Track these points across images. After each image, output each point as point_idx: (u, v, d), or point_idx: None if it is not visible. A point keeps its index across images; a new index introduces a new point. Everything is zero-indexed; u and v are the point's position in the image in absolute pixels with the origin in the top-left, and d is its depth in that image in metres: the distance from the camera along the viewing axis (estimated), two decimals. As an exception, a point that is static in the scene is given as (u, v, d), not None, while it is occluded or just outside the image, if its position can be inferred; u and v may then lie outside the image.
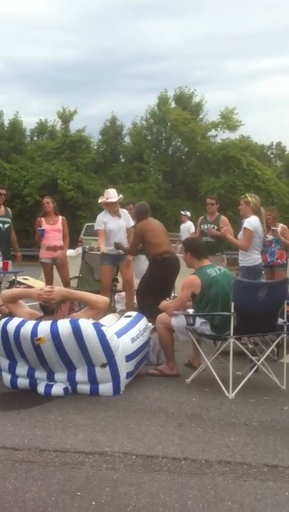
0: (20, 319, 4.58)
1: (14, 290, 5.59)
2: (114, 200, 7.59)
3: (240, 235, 6.75)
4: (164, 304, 5.36)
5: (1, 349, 4.64)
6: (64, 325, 4.41)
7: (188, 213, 14.43)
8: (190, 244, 5.53)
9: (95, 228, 7.70)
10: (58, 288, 4.89)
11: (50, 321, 4.48)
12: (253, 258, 6.51)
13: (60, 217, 8.20)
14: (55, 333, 4.35)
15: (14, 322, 4.55)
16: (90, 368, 4.47)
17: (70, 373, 4.51)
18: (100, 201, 7.83)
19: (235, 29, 56.98)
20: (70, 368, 4.50)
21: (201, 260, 5.21)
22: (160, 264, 6.71)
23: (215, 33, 55.86)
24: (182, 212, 14.68)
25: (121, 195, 7.75)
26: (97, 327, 4.45)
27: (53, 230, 8.01)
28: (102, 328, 4.48)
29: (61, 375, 4.52)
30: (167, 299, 5.62)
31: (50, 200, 8.26)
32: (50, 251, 7.99)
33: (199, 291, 4.94)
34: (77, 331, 4.36)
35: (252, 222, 6.48)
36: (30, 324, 4.47)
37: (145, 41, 54.56)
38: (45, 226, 8.00)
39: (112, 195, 7.65)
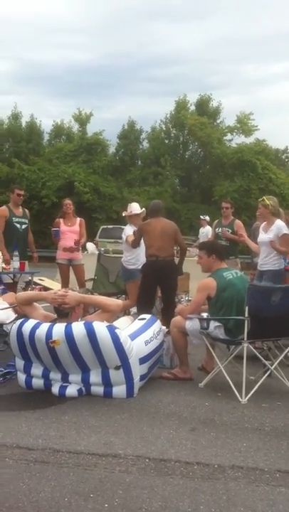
0: (35, 321, 4.63)
1: (29, 293, 5.64)
2: (137, 212, 7.73)
3: (260, 238, 6.65)
4: (179, 307, 5.37)
5: (17, 350, 4.68)
6: (78, 327, 4.44)
7: (208, 218, 14.50)
8: (213, 246, 5.56)
9: (124, 237, 7.76)
10: (72, 292, 4.92)
11: (65, 324, 4.51)
12: (279, 262, 6.48)
13: (78, 219, 8.27)
14: (69, 335, 4.38)
15: (29, 324, 4.59)
16: (104, 370, 4.50)
17: (84, 375, 4.54)
18: (123, 214, 8.03)
19: (251, 33, 56.79)
20: (84, 370, 4.53)
21: (221, 262, 5.23)
22: (144, 266, 7.02)
23: (231, 37, 55.81)
24: (201, 217, 14.75)
25: (144, 209, 7.78)
26: (111, 330, 4.48)
27: (70, 231, 8.07)
28: (116, 330, 4.50)
29: (75, 377, 4.56)
30: (182, 302, 5.60)
31: (71, 201, 8.34)
32: (66, 252, 8.06)
33: (215, 293, 4.95)
34: (91, 334, 4.39)
35: (285, 225, 6.44)
36: (45, 326, 4.51)
37: (161, 45, 54.55)
38: (62, 227, 8.07)
39: (134, 208, 7.81)
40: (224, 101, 48.54)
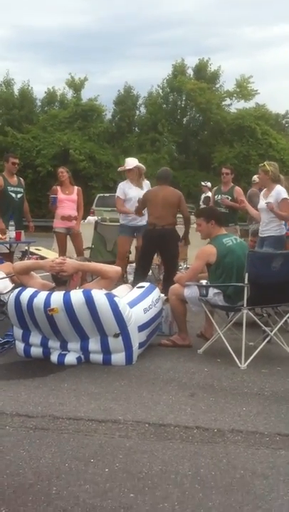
0: (33, 290, 4.60)
1: (26, 262, 5.60)
2: (129, 167, 7.62)
3: (260, 204, 6.58)
4: (178, 275, 5.35)
5: (15, 319, 4.67)
6: (77, 295, 4.42)
7: (209, 184, 14.46)
8: (211, 212, 5.49)
9: (116, 195, 7.71)
10: (70, 260, 4.89)
11: (63, 292, 4.49)
12: (281, 228, 6.43)
13: (76, 188, 8.17)
14: (68, 303, 4.36)
15: (27, 293, 4.57)
16: (102, 337, 4.49)
17: (83, 343, 4.54)
18: (119, 169, 8.07)
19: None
20: (83, 338, 4.53)
21: (220, 228, 5.18)
22: (144, 233, 7.16)
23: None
24: (203, 183, 14.71)
25: (138, 164, 7.66)
26: (110, 297, 4.46)
27: (67, 199, 7.98)
28: (115, 298, 4.48)
29: (74, 345, 4.56)
30: (181, 270, 5.57)
31: (64, 169, 8.19)
32: (64, 220, 7.98)
33: (215, 260, 4.91)
34: (90, 302, 4.37)
35: (284, 191, 6.37)
36: (43, 295, 4.49)
37: (158, 8, 53.47)
38: (60, 196, 7.97)
39: (129, 163, 7.72)
40: (223, 64, 47.96)
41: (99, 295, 4.44)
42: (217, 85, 31.72)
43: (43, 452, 2.93)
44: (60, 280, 4.74)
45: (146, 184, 7.71)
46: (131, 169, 7.61)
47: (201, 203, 14.34)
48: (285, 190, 6.38)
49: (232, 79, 30.45)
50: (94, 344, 4.53)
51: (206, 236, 5.28)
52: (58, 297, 4.43)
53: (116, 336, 4.46)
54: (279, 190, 6.33)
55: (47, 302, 4.40)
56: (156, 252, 7.16)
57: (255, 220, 7.15)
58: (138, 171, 7.61)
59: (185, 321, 5.27)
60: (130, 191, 7.53)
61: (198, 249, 5.23)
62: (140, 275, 6.89)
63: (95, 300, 4.38)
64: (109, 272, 4.80)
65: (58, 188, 8.07)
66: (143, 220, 7.39)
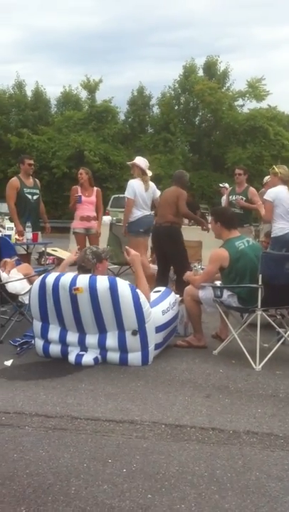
0: (59, 273, 4.83)
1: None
2: (132, 162, 7.59)
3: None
4: (190, 276, 5.37)
5: (36, 307, 4.77)
6: (102, 280, 4.57)
7: (227, 185, 14.43)
8: (220, 213, 5.45)
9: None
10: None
11: (90, 275, 4.65)
12: (278, 228, 6.43)
13: (95, 189, 8.23)
14: (92, 285, 4.50)
15: (53, 275, 4.77)
16: (120, 333, 4.56)
17: (101, 337, 4.61)
18: (128, 163, 8.08)
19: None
20: (102, 331, 4.60)
21: (230, 231, 5.17)
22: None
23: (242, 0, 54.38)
24: (221, 185, 14.69)
25: (138, 161, 7.53)
26: (133, 288, 4.59)
27: (86, 201, 8.06)
28: (138, 290, 4.60)
29: (92, 339, 4.63)
30: (197, 269, 5.57)
31: (84, 171, 8.24)
32: (83, 221, 8.07)
33: (228, 264, 4.93)
34: (113, 288, 4.49)
35: (271, 192, 6.43)
36: (69, 275, 4.68)
37: (171, 8, 53.45)
38: (82, 196, 8.05)
39: (135, 159, 7.61)
40: (235, 65, 47.77)
41: (123, 284, 4.58)
42: (227, 84, 31.68)
43: (62, 452, 2.99)
44: (85, 269, 4.83)
45: (152, 186, 7.52)
46: (133, 164, 7.49)
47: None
48: (272, 191, 6.46)
49: (243, 80, 30.41)
50: (111, 340, 4.59)
51: (217, 236, 5.33)
52: (84, 279, 4.58)
53: (134, 333, 4.52)
54: (269, 190, 6.47)
55: (73, 281, 4.55)
56: (163, 251, 7.14)
57: (264, 220, 7.21)
58: (140, 169, 7.42)
59: (200, 322, 5.30)
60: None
61: (212, 251, 5.26)
62: (160, 278, 6.94)
63: (119, 287, 4.51)
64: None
65: (78, 188, 8.14)
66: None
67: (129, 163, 7.79)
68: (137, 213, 7.24)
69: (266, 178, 9.05)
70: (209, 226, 6.06)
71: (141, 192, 7.22)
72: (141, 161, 7.49)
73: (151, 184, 7.42)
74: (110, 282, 4.54)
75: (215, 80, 30.29)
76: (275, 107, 30.71)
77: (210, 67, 31.33)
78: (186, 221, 14.44)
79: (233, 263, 4.92)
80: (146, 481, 2.69)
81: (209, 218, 7.82)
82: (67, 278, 4.62)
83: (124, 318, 4.51)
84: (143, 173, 7.35)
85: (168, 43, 52.73)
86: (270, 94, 30.51)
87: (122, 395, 3.90)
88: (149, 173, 7.47)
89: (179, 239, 7.06)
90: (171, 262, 7.08)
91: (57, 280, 4.64)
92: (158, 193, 7.46)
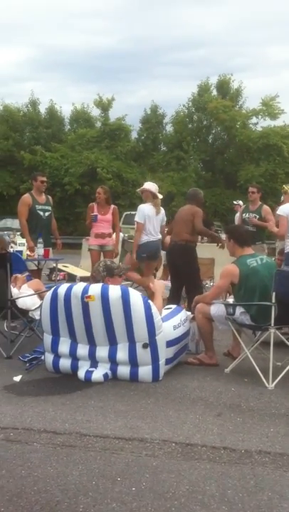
0: (71, 283, 4.89)
1: None
2: (144, 188, 7.61)
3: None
4: (199, 296, 5.37)
5: (47, 320, 4.76)
6: (114, 288, 4.59)
7: (241, 202, 14.46)
8: (233, 231, 5.44)
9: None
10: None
11: (102, 284, 4.67)
12: None
13: (112, 207, 8.24)
14: (104, 294, 4.52)
15: (66, 285, 4.81)
16: (131, 345, 4.53)
17: (112, 349, 4.58)
18: (137, 190, 8.01)
19: (276, 14, 55.85)
20: (112, 343, 4.58)
21: (243, 248, 5.14)
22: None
23: (255, 19, 54.97)
24: (235, 202, 14.74)
25: (149, 187, 7.58)
26: (145, 299, 4.60)
27: (102, 219, 8.09)
28: (149, 301, 4.60)
29: (103, 351, 4.60)
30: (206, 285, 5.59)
31: (102, 190, 8.25)
32: (98, 238, 8.10)
33: (238, 280, 4.90)
34: (125, 297, 4.50)
35: (284, 207, 6.42)
36: (82, 284, 4.74)
37: (184, 28, 54.08)
38: (98, 215, 8.08)
39: (145, 185, 7.68)
40: (249, 83, 48.08)
41: (135, 294, 4.60)
42: (240, 102, 31.82)
43: (70, 469, 2.94)
44: (95, 279, 4.86)
45: (162, 211, 7.54)
46: (145, 190, 7.53)
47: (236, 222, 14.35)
48: (284, 207, 6.46)
49: (257, 98, 30.54)
50: (122, 353, 4.56)
51: (230, 253, 5.31)
52: (96, 287, 4.62)
53: (145, 346, 4.49)
54: (282, 206, 6.47)
55: (85, 290, 4.58)
56: (177, 269, 7.07)
57: (279, 237, 7.19)
58: (150, 193, 7.47)
59: (212, 339, 5.25)
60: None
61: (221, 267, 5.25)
62: (173, 295, 6.91)
63: (131, 297, 4.51)
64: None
65: (95, 205, 8.17)
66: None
67: (138, 190, 7.79)
68: (143, 238, 7.27)
69: (283, 197, 9.05)
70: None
71: (151, 217, 7.27)
72: (150, 185, 7.58)
73: (161, 209, 7.48)
74: (122, 291, 4.55)
75: (228, 98, 30.44)
76: (289, 124, 30.74)
77: (223, 85, 31.53)
78: (198, 238, 14.43)
79: (243, 280, 4.88)
80: (156, 500, 2.63)
81: (223, 236, 7.85)
82: (79, 287, 4.66)
83: (134, 327, 4.49)
84: (154, 196, 7.41)
85: (181, 62, 53.36)
86: (285, 113, 30.57)
87: (131, 412, 3.85)
88: (160, 196, 7.51)
89: (193, 257, 7.03)
90: (184, 279, 7.04)
91: (69, 289, 4.68)
92: (165, 218, 7.55)
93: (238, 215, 14.08)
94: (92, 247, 8.21)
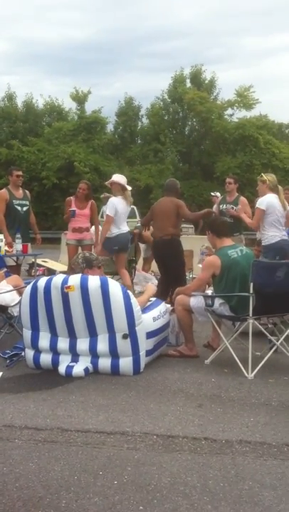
0: (51, 276, 4.91)
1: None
2: (112, 180, 7.63)
3: None
4: (181, 288, 5.39)
5: (27, 313, 4.75)
6: (94, 278, 4.62)
7: (218, 194, 14.58)
8: (211, 223, 5.49)
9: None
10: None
11: (81, 274, 4.69)
12: (269, 236, 6.45)
13: (90, 202, 8.18)
14: (84, 284, 4.55)
15: (45, 278, 4.81)
16: (111, 336, 4.55)
17: (92, 341, 4.59)
18: (106, 183, 7.99)
19: (253, 4, 55.99)
20: (92, 334, 4.59)
21: (222, 239, 5.17)
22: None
23: (232, 8, 54.98)
24: (212, 194, 14.82)
25: (116, 179, 7.58)
26: (124, 288, 4.62)
27: (80, 214, 8.03)
28: (128, 291, 4.64)
29: (83, 344, 4.61)
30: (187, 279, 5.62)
31: (86, 186, 8.15)
32: (75, 232, 8.05)
33: (219, 272, 4.93)
34: (104, 286, 4.53)
35: (264, 200, 6.46)
36: (61, 276, 4.77)
37: (160, 19, 53.89)
38: (74, 208, 8.02)
39: (113, 177, 7.69)
40: (226, 74, 48.16)
41: (114, 283, 4.66)
42: (214, 93, 31.89)
43: (52, 465, 2.94)
44: (74, 272, 4.90)
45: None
46: (113, 182, 7.53)
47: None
48: (264, 199, 6.49)
49: (235, 88, 30.53)
50: (102, 344, 4.57)
51: (212, 246, 5.36)
52: (76, 278, 4.64)
53: (124, 337, 4.51)
54: (261, 198, 6.50)
55: (65, 280, 4.59)
56: (164, 263, 7.12)
57: (254, 228, 7.26)
58: (119, 186, 7.46)
59: (192, 331, 5.28)
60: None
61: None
62: (161, 288, 6.89)
63: (110, 287, 4.54)
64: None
65: (72, 199, 8.11)
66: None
67: (107, 183, 7.74)
68: (114, 231, 7.26)
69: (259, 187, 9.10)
70: (198, 236, 6.10)
71: (122, 209, 7.27)
72: (119, 177, 7.56)
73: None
74: (102, 282, 4.57)
75: (202, 89, 30.48)
76: (266, 115, 30.95)
77: (196, 76, 31.58)
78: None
79: (224, 271, 4.92)
80: (138, 493, 2.65)
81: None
82: (59, 278, 4.68)
83: (114, 317, 4.51)
84: (123, 188, 7.38)
85: (157, 53, 53.30)
86: (259, 103, 30.75)
87: (113, 406, 3.86)
88: (129, 188, 7.49)
89: (180, 251, 7.08)
90: (171, 272, 7.05)
91: (49, 281, 4.68)
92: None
93: (215, 206, 14.20)
94: (70, 242, 8.16)
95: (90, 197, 8.22)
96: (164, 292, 6.74)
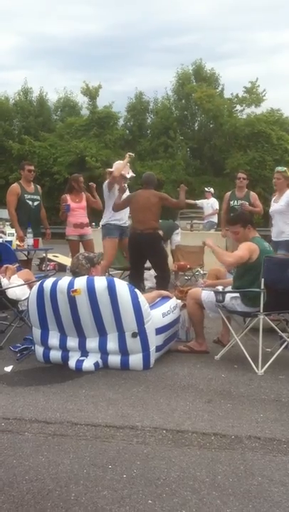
0: (57, 277, 4.84)
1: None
2: (111, 170, 7.77)
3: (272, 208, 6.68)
4: (215, 247, 5.12)
5: (35, 314, 4.75)
6: (100, 280, 4.60)
7: (212, 190, 14.63)
8: (243, 218, 5.17)
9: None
10: None
11: (87, 276, 4.65)
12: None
13: (83, 194, 8.20)
14: (90, 286, 4.51)
15: (51, 279, 4.77)
16: (120, 334, 4.54)
17: (102, 340, 4.59)
18: (106, 170, 8.11)
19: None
20: (102, 333, 4.58)
21: (255, 231, 5.08)
22: (128, 239, 7.21)
23: (244, 3, 54.61)
24: (206, 189, 14.86)
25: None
26: (131, 288, 4.60)
27: (78, 207, 8.03)
28: (136, 290, 4.60)
29: (93, 342, 4.61)
30: (198, 275, 5.56)
31: (82, 179, 8.24)
32: (77, 228, 8.05)
33: (256, 258, 4.79)
34: (111, 288, 4.49)
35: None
36: (67, 279, 4.69)
37: (172, 14, 53.65)
38: (71, 204, 8.02)
39: (115, 166, 7.74)
40: (238, 69, 47.92)
41: (121, 283, 4.61)
42: (219, 88, 31.68)
43: (62, 458, 2.96)
44: (79, 274, 4.81)
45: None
46: (111, 171, 7.65)
47: (204, 209, 14.46)
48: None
49: (246, 83, 30.35)
50: (112, 343, 4.57)
51: (243, 240, 5.06)
52: (81, 280, 4.58)
53: (134, 335, 4.50)
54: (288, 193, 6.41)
55: (71, 284, 4.55)
56: (141, 257, 7.01)
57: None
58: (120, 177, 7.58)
59: (202, 326, 5.27)
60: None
61: (214, 256, 5.17)
62: (134, 284, 6.84)
63: (117, 287, 4.51)
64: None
65: (68, 196, 8.11)
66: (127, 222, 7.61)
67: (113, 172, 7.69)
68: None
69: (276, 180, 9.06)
70: (210, 232, 6.03)
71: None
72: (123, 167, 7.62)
73: None
74: (108, 282, 4.54)
75: (206, 84, 30.32)
76: (278, 109, 30.67)
77: (198, 72, 31.44)
78: (188, 226, 14.46)
79: (260, 259, 4.74)
80: (147, 487, 2.65)
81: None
82: (64, 281, 4.63)
83: (122, 317, 4.49)
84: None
85: (169, 48, 52.92)
86: (265, 96, 30.42)
87: (122, 400, 3.87)
88: (129, 175, 7.64)
89: (161, 245, 7.08)
90: (156, 267, 7.08)
91: (54, 284, 4.64)
92: None
93: (207, 201, 14.22)
94: (71, 237, 8.14)
95: (83, 189, 8.22)
96: (136, 277, 6.74)
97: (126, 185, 7.59)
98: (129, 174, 7.71)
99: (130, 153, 7.86)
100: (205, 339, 5.27)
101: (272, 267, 4.67)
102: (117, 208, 7.27)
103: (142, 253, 6.90)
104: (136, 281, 6.70)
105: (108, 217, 7.68)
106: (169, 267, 8.07)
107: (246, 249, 4.84)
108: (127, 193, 7.52)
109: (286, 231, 6.49)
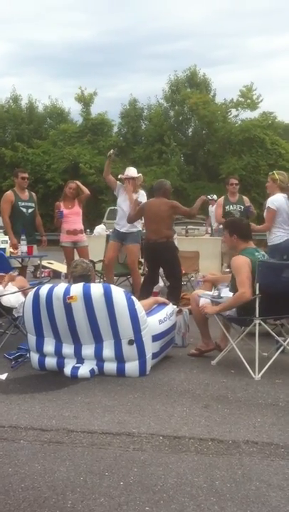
0: (53, 284, 4.80)
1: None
2: (134, 175, 7.99)
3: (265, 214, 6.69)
4: (202, 301, 5.09)
5: (30, 322, 4.73)
6: (96, 286, 4.59)
7: (215, 197, 14.77)
8: (235, 225, 5.14)
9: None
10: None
11: (83, 283, 4.63)
12: (276, 236, 6.41)
13: (76, 200, 8.19)
14: (87, 293, 4.49)
15: (46, 286, 4.74)
16: (116, 342, 4.51)
17: (98, 347, 4.56)
18: (119, 176, 8.32)
19: (258, 4, 55.98)
20: (98, 341, 4.55)
21: (247, 242, 4.97)
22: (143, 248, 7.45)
23: (236, 9, 54.96)
24: (209, 197, 14.96)
25: (140, 174, 8.00)
26: (127, 295, 4.57)
27: (71, 213, 8.02)
28: (132, 297, 4.59)
29: (88, 349, 4.58)
30: (193, 280, 5.56)
31: (75, 185, 8.24)
32: (70, 235, 8.03)
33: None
34: (108, 294, 4.47)
35: (276, 200, 6.40)
36: (63, 285, 4.68)
37: (165, 20, 53.92)
38: (64, 211, 8.01)
39: (131, 171, 8.05)
40: (231, 75, 48.14)
41: (117, 290, 4.57)
42: (211, 93, 31.82)
43: (58, 466, 2.93)
44: (89, 278, 4.89)
45: (141, 194, 7.78)
46: (133, 178, 7.87)
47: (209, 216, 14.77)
48: (275, 199, 6.42)
49: (238, 90, 30.53)
50: (108, 350, 4.54)
51: (230, 248, 5.16)
52: (78, 287, 4.57)
53: (130, 342, 4.48)
54: (272, 198, 6.43)
55: (67, 290, 4.54)
56: (157, 266, 7.08)
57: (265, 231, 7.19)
58: (137, 182, 7.86)
59: (207, 326, 5.20)
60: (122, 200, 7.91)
61: (210, 262, 5.19)
62: (146, 289, 6.88)
63: (113, 293, 4.48)
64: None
65: (61, 203, 8.11)
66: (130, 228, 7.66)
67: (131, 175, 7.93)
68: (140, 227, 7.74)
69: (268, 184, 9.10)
70: (205, 237, 6.03)
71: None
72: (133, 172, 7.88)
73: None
74: (105, 289, 4.52)
75: (198, 90, 30.45)
76: (272, 113, 30.78)
77: (192, 77, 31.58)
78: (182, 232, 14.47)
79: (252, 271, 4.68)
80: (144, 494, 2.63)
81: (203, 228, 7.83)
82: (60, 288, 4.61)
83: (119, 324, 4.47)
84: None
85: (162, 55, 53.09)
86: (262, 102, 30.61)
87: (118, 407, 3.84)
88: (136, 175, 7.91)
89: (176, 253, 7.06)
90: (169, 275, 7.11)
91: (50, 291, 4.61)
92: None
93: (212, 208, 14.30)
94: (65, 244, 8.12)
95: (77, 195, 8.21)
96: (149, 292, 6.68)
97: (139, 198, 7.63)
98: (135, 175, 7.90)
99: (110, 152, 8.02)
100: (211, 338, 5.25)
101: (266, 271, 4.66)
102: (130, 219, 7.36)
103: (157, 262, 6.98)
104: (148, 284, 6.89)
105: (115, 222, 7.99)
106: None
107: (243, 268, 4.69)
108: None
109: (268, 237, 6.58)
